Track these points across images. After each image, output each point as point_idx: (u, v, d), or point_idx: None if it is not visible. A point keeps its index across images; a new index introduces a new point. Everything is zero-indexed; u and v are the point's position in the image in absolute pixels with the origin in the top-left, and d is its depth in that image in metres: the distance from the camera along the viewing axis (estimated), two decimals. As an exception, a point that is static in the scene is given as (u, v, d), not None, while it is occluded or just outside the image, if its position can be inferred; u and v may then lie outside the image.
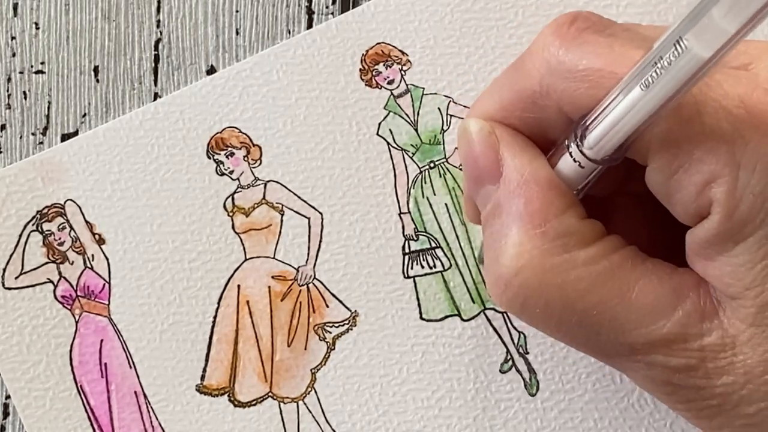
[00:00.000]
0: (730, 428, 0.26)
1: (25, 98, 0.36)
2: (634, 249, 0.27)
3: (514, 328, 0.35)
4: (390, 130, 0.35)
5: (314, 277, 0.35)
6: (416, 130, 0.35)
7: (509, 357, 0.34)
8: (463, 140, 0.28)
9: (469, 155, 0.28)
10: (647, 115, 0.24)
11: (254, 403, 0.35)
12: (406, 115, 0.36)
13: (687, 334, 0.25)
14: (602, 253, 0.26)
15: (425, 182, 0.35)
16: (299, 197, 0.35)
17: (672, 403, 0.27)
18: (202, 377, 0.35)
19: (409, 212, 0.35)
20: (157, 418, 0.35)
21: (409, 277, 0.35)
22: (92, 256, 0.35)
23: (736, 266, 0.24)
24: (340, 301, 0.35)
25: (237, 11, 0.36)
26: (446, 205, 0.35)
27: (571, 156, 0.26)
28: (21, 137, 0.36)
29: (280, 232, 0.35)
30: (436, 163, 0.35)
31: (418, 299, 0.35)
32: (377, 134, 0.35)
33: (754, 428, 0.26)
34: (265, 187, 0.35)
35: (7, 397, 0.35)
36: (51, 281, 0.35)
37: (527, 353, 0.34)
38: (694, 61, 0.22)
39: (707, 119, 0.24)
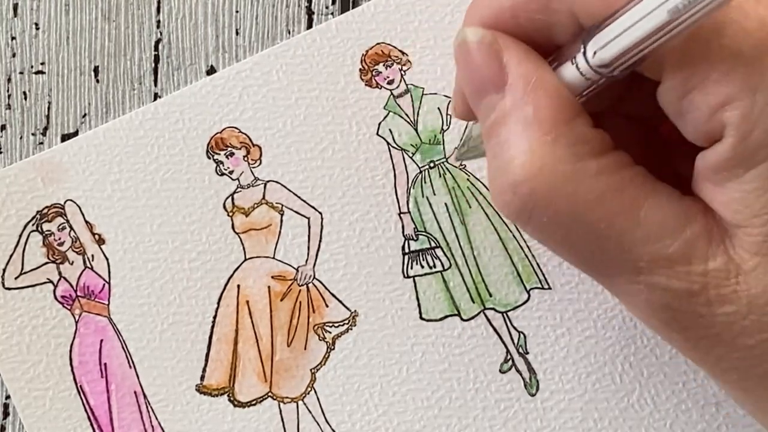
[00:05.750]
0: (728, 361, 0.26)
1: (25, 98, 0.36)
2: (643, 169, 0.26)
3: (514, 328, 0.35)
4: (390, 130, 0.35)
5: (314, 277, 0.35)
6: (416, 130, 0.35)
7: (509, 357, 0.34)
8: (462, 50, 0.27)
9: (469, 65, 0.27)
10: (669, 39, 0.23)
11: (254, 403, 0.35)
12: (406, 115, 0.36)
13: (692, 256, 0.25)
14: (614, 167, 0.26)
15: (425, 182, 0.35)
16: (299, 197, 0.35)
17: (669, 332, 0.27)
18: (202, 377, 0.35)
19: (409, 212, 0.35)
20: (156, 418, 0.35)
21: (409, 277, 0.35)
22: (92, 256, 0.35)
23: (746, 193, 0.24)
24: (340, 301, 0.35)
25: (237, 11, 0.36)
26: (446, 204, 0.35)
27: (577, 67, 0.25)
28: (21, 137, 0.36)
29: (279, 232, 0.35)
30: (436, 162, 0.35)
31: (417, 299, 0.35)
32: (377, 134, 0.35)
33: (753, 360, 0.25)
34: (264, 187, 0.35)
35: (7, 397, 0.35)
36: (51, 281, 0.35)
37: (527, 353, 0.34)
38: None
39: (726, 41, 0.23)
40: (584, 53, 0.25)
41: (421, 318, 0.35)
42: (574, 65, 0.26)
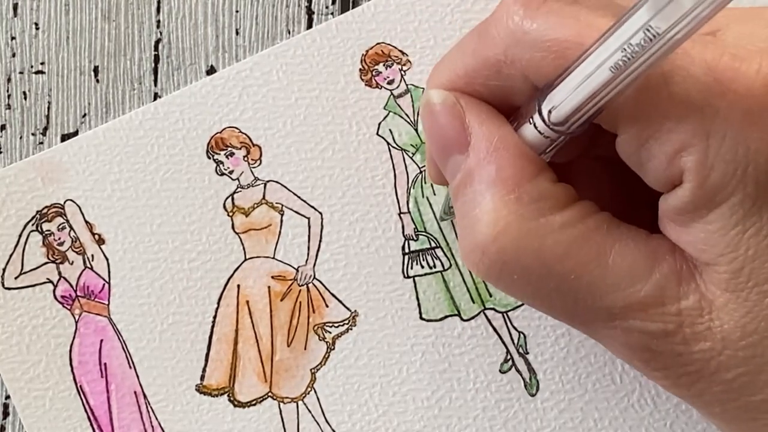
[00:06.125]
0: (709, 395, 0.26)
1: (25, 98, 0.36)
2: (608, 214, 0.27)
3: (514, 328, 0.35)
4: (390, 130, 0.35)
5: (314, 277, 0.35)
6: (416, 130, 0.35)
7: (509, 357, 0.34)
8: (427, 111, 0.28)
9: (434, 126, 0.28)
10: (616, 94, 0.24)
11: (254, 403, 0.35)
12: (406, 115, 0.36)
13: (664, 297, 0.25)
14: (577, 217, 0.26)
15: (425, 182, 0.35)
16: (299, 197, 0.35)
17: (650, 371, 0.27)
18: (202, 377, 0.35)
19: (409, 212, 0.35)
20: (156, 418, 0.35)
21: (409, 277, 0.35)
22: (92, 256, 0.35)
23: (710, 233, 0.24)
24: (340, 301, 0.35)
25: (237, 11, 0.36)
26: (446, 205, 0.35)
27: (536, 128, 0.26)
28: (21, 137, 0.36)
29: (279, 232, 0.35)
30: (436, 163, 0.35)
31: (418, 299, 0.35)
32: (377, 134, 0.35)
33: (732, 393, 0.25)
34: (264, 187, 0.35)
35: (7, 397, 0.35)
36: (51, 281, 0.35)
37: (527, 353, 0.34)
38: (665, 45, 0.22)
39: (675, 88, 0.24)
40: (540, 113, 0.25)
41: (421, 318, 0.35)
42: (532, 125, 0.26)
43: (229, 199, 0.35)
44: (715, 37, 0.25)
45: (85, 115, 0.36)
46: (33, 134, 0.36)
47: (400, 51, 0.36)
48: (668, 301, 0.25)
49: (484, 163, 0.26)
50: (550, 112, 0.25)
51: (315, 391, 0.35)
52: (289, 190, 0.35)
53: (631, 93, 0.24)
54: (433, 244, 0.35)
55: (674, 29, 0.22)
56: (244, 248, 0.35)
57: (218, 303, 0.35)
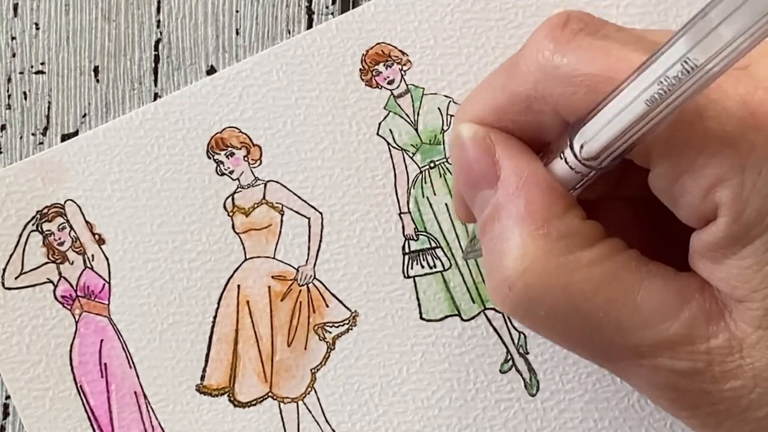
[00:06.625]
0: None
1: (25, 98, 0.36)
2: (636, 251, 0.26)
3: (515, 328, 0.35)
4: (390, 130, 0.35)
5: (314, 277, 0.35)
6: (416, 130, 0.36)
7: (509, 357, 0.34)
8: (457, 145, 0.28)
9: (463, 160, 0.28)
10: (650, 128, 0.23)
11: (254, 403, 0.35)
12: (406, 115, 0.36)
13: (693, 336, 0.25)
14: (606, 254, 0.26)
15: (425, 182, 0.35)
16: (299, 197, 0.35)
17: (677, 410, 0.27)
18: (202, 377, 0.35)
19: (409, 212, 0.35)
20: (157, 418, 0.35)
21: (409, 277, 0.35)
22: (92, 256, 0.35)
23: (743, 269, 0.24)
24: (340, 301, 0.35)
25: (237, 11, 0.36)
26: (446, 204, 0.35)
27: (567, 162, 0.26)
28: (21, 137, 0.36)
29: (280, 232, 0.35)
30: (437, 163, 0.35)
31: (418, 299, 0.35)
32: (377, 134, 0.35)
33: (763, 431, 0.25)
34: (265, 187, 0.35)
35: (7, 397, 0.35)
36: (51, 281, 0.35)
37: (527, 353, 0.34)
38: (702, 78, 0.22)
39: (709, 123, 0.23)
40: (571, 148, 0.25)
41: (422, 318, 0.35)
42: (563, 160, 0.26)
43: (230, 199, 0.35)
44: (747, 71, 0.25)
45: (85, 115, 0.36)
46: (33, 134, 0.36)
47: (400, 51, 0.36)
48: (697, 340, 0.25)
49: (513, 198, 0.26)
50: (582, 146, 0.25)
51: (315, 391, 0.35)
52: (289, 190, 0.35)
53: (665, 127, 0.24)
54: (434, 244, 0.35)
55: (713, 61, 0.21)
56: (244, 248, 0.35)
57: (218, 303, 0.35)
